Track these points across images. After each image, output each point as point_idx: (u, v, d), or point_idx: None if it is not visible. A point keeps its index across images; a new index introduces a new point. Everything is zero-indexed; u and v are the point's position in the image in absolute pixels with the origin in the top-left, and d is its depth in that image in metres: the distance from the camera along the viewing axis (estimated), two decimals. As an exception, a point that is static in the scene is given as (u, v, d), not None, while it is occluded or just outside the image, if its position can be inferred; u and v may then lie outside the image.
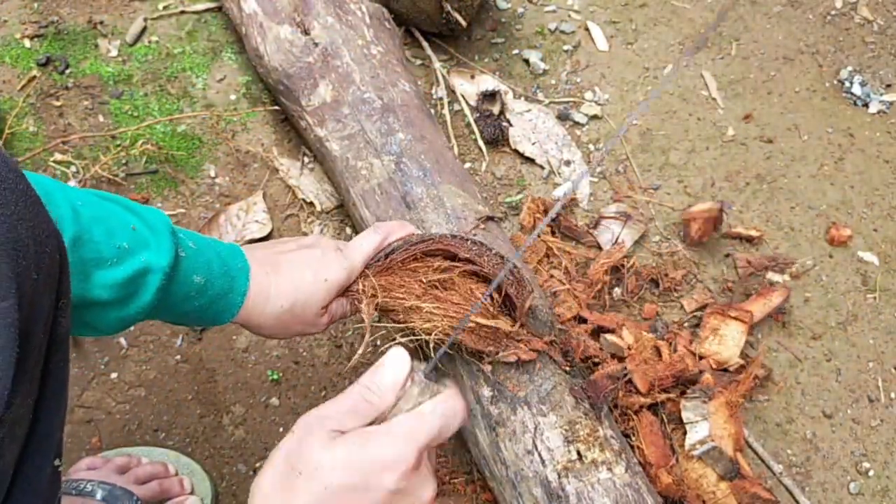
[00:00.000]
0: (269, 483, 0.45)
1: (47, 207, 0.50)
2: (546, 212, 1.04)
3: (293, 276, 0.65)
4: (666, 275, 1.03)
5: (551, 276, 0.95)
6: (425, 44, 1.27)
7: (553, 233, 1.04)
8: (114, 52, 1.24)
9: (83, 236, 0.53)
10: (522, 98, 1.23)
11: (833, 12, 1.38)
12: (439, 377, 0.53)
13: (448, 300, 0.70)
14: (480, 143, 1.17)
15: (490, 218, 0.86)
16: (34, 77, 1.19)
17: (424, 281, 0.71)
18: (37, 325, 0.38)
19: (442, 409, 0.50)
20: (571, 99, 1.25)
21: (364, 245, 0.72)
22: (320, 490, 0.44)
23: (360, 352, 0.68)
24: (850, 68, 1.30)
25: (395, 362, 0.51)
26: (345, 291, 0.71)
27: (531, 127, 1.18)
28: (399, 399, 0.50)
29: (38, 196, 0.40)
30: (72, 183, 1.07)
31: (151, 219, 0.58)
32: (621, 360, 0.90)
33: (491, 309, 0.73)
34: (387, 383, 0.50)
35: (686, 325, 1.01)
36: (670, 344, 0.95)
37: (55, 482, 0.42)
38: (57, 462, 0.41)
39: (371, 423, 0.49)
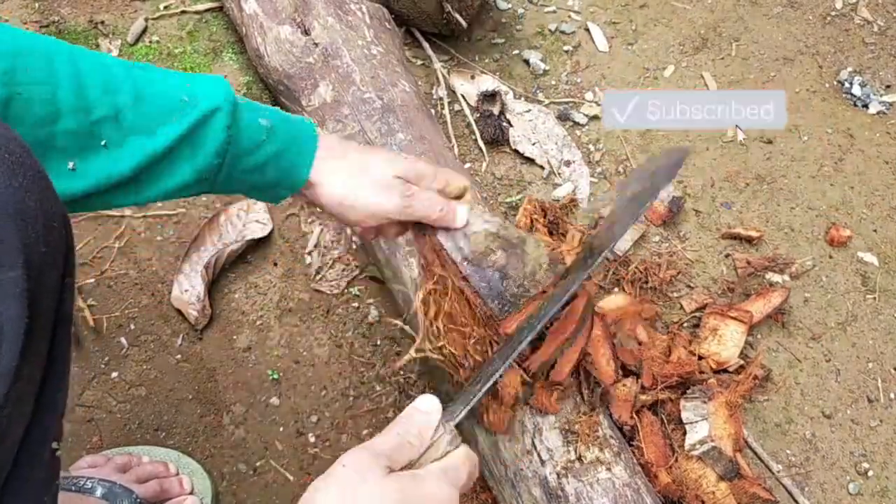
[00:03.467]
0: None
1: (101, 74, 0.52)
2: (545, 212, 1.04)
3: (363, 147, 0.65)
4: (656, 274, 1.03)
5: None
6: (426, 44, 1.27)
7: (550, 233, 1.04)
8: (115, 52, 1.24)
9: (142, 95, 0.54)
10: (522, 98, 1.24)
11: (833, 13, 1.38)
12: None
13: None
14: (480, 143, 1.17)
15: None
16: (35, 77, 1.19)
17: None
18: (44, 300, 0.38)
19: (469, 461, 0.53)
20: (571, 99, 1.25)
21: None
22: None
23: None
24: (849, 69, 1.30)
25: (430, 409, 0.54)
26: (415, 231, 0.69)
27: (531, 127, 1.19)
28: (429, 446, 0.53)
29: (45, 172, 0.40)
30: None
31: (205, 76, 0.59)
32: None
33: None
34: (425, 429, 0.53)
35: (685, 325, 1.01)
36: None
37: (54, 465, 0.42)
38: (55, 445, 0.41)
39: (404, 468, 0.51)
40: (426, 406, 0.54)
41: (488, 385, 0.59)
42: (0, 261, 0.35)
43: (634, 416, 0.82)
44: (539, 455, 0.73)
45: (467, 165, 1.16)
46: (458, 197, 0.69)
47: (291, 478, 0.90)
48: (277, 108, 0.64)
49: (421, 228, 0.69)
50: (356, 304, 1.02)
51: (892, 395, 0.99)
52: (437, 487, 0.50)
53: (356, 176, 0.63)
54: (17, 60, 0.48)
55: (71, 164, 0.52)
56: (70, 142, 0.51)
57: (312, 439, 0.92)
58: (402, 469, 0.50)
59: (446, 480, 0.50)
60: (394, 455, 0.50)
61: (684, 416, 0.85)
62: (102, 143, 0.52)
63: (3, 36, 0.49)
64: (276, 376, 0.96)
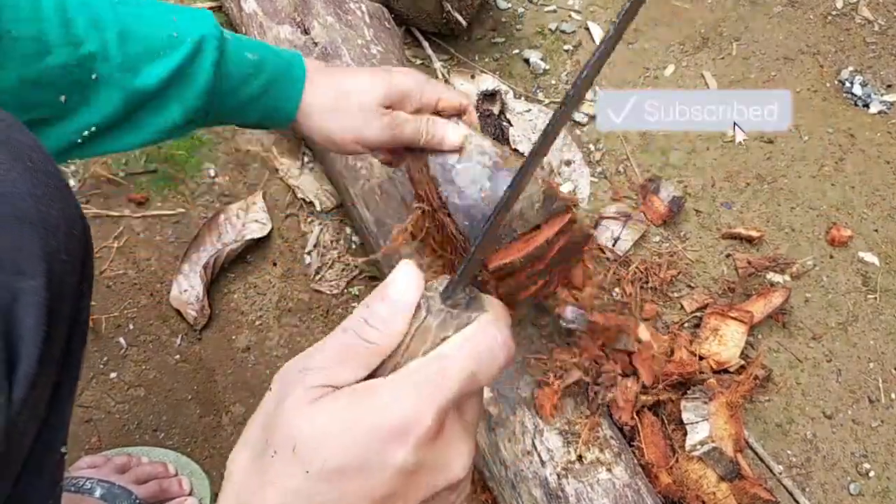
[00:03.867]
0: (242, 464, 0.33)
1: (86, 9, 0.52)
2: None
3: (347, 70, 0.65)
4: (656, 274, 1.03)
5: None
6: (425, 43, 1.27)
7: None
8: (114, 52, 1.24)
9: (128, 31, 0.54)
10: (523, 98, 1.23)
11: (834, 12, 1.38)
12: (472, 303, 0.36)
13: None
14: (480, 142, 1.17)
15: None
16: (34, 76, 1.19)
17: None
18: (63, 308, 0.38)
19: (472, 347, 0.34)
20: (572, 99, 1.25)
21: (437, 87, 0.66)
22: (300, 476, 0.31)
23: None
24: (850, 68, 1.30)
25: (402, 283, 0.35)
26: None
27: (531, 127, 1.18)
28: (411, 338, 0.34)
29: (65, 179, 0.41)
30: (70, 183, 1.07)
31: (191, 10, 0.58)
32: (630, 354, 0.90)
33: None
34: (391, 312, 0.34)
35: (686, 325, 1.01)
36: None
37: (60, 468, 0.42)
38: (63, 449, 0.42)
39: (374, 374, 0.34)
40: (399, 281, 0.35)
41: (476, 248, 0.41)
42: (22, 269, 0.35)
43: (635, 416, 0.82)
44: (539, 456, 0.73)
45: (467, 165, 1.15)
46: (458, 115, 0.67)
47: (291, 478, 0.89)
48: (264, 42, 0.63)
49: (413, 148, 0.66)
50: (356, 304, 1.02)
51: (893, 396, 0.98)
52: (391, 407, 0.31)
53: (339, 110, 0.62)
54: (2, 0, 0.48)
55: (63, 98, 0.52)
56: (60, 76, 0.51)
57: (312, 440, 0.92)
58: (372, 376, 0.34)
59: (414, 390, 0.32)
60: (334, 365, 0.33)
61: (685, 416, 0.85)
62: (93, 76, 0.52)
63: None
64: (275, 377, 0.96)
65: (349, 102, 0.62)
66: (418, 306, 0.35)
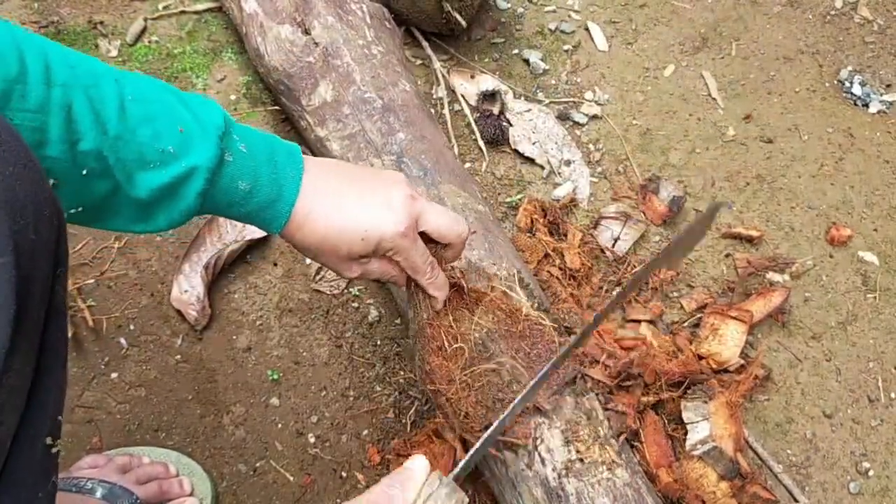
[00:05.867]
0: None
1: (94, 101, 0.51)
2: (545, 212, 1.04)
3: (335, 211, 0.61)
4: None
5: (550, 275, 0.95)
6: (425, 43, 1.27)
7: (551, 233, 1.04)
8: (114, 53, 1.24)
9: (126, 136, 0.53)
10: (522, 98, 1.23)
11: (833, 12, 1.38)
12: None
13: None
14: (480, 142, 1.17)
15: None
16: (34, 77, 1.19)
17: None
18: (35, 288, 0.38)
19: None
20: (571, 99, 1.25)
21: (439, 221, 0.65)
22: None
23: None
24: (850, 68, 1.30)
25: (417, 465, 0.56)
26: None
27: (531, 127, 1.18)
28: (426, 499, 0.54)
29: (37, 160, 0.40)
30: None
31: (204, 118, 0.57)
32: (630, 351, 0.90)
33: None
34: (407, 480, 0.55)
35: (686, 324, 1.01)
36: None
37: (48, 462, 0.41)
38: (50, 441, 0.41)
39: None
40: (413, 463, 0.57)
41: (485, 437, 0.61)
42: None
43: (637, 419, 0.82)
44: (540, 455, 0.73)
45: (467, 165, 1.15)
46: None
47: (291, 478, 0.89)
48: (271, 153, 0.60)
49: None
50: (356, 305, 1.02)
51: (892, 395, 0.98)
52: None
53: (313, 249, 0.63)
54: (15, 86, 0.47)
55: (53, 181, 0.51)
56: (53, 165, 0.51)
57: (312, 440, 0.92)
58: None
59: None
60: None
61: (685, 416, 0.85)
62: (84, 172, 0.52)
63: (6, 49, 0.48)
64: (275, 377, 0.96)
65: (321, 252, 0.63)
66: (437, 481, 0.55)
